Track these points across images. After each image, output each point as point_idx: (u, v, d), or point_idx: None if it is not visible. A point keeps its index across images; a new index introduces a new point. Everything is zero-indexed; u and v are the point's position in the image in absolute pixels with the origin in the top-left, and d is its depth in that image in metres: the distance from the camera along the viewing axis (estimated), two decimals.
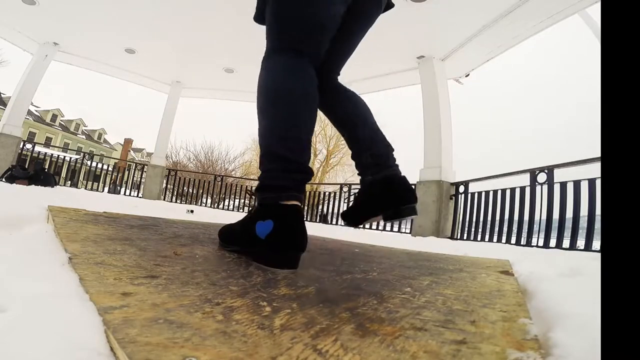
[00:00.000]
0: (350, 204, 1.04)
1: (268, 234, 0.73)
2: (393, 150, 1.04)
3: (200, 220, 1.55)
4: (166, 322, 0.38)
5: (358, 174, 1.04)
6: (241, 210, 7.40)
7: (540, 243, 3.38)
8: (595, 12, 4.00)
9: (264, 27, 0.99)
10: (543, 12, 3.82)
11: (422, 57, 5.04)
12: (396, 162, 1.03)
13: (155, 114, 8.58)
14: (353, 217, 1.01)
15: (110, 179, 9.06)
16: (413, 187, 0.95)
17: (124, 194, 7.53)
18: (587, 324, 0.43)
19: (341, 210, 6.17)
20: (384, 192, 0.96)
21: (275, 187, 0.78)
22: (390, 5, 1.13)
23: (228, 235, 0.90)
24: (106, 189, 8.23)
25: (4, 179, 4.32)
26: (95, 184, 8.44)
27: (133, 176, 7.77)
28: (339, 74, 1.14)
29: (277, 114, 0.84)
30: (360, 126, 1.04)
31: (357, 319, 0.46)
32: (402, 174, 1.00)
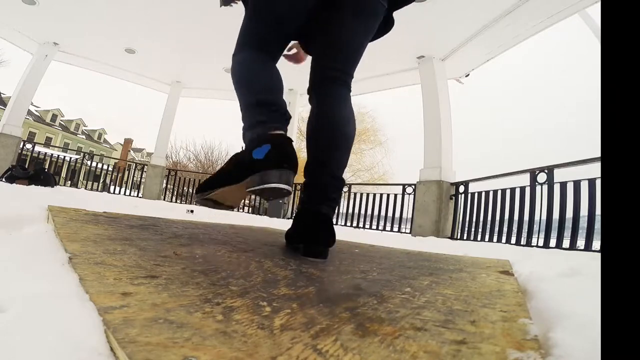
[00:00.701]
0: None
1: (266, 153, 0.82)
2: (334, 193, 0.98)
3: (200, 220, 1.55)
4: (166, 322, 0.38)
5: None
6: (241, 210, 7.39)
7: (540, 243, 3.38)
8: (595, 12, 4.00)
9: None
10: (543, 12, 3.82)
11: (422, 57, 5.04)
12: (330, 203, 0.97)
13: (155, 113, 8.57)
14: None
15: (110, 179, 9.06)
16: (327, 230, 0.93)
17: (124, 194, 7.53)
18: (587, 324, 0.43)
19: (342, 210, 6.18)
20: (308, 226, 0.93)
21: (262, 121, 0.88)
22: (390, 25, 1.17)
23: (216, 181, 0.93)
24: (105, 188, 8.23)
25: (4, 179, 4.32)
26: (95, 184, 8.44)
27: (133, 176, 7.77)
28: (342, 72, 1.05)
29: (249, 86, 0.96)
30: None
31: (357, 319, 0.46)
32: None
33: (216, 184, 0.92)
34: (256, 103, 0.93)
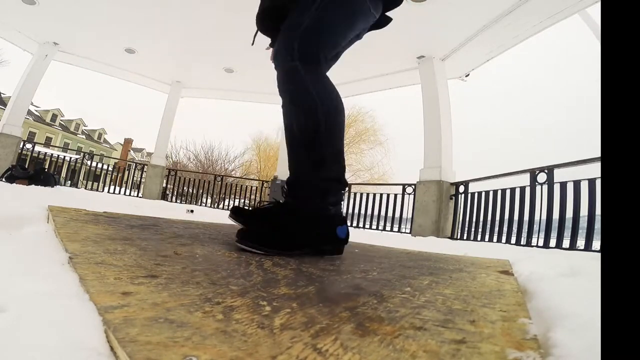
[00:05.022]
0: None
1: (347, 233, 1.00)
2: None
3: (200, 220, 1.55)
4: (166, 321, 0.38)
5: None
6: None
7: (540, 243, 3.38)
8: (595, 12, 4.00)
9: None
10: (543, 12, 3.82)
11: (422, 57, 5.04)
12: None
13: (155, 113, 8.58)
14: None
15: (110, 179, 9.07)
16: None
17: (124, 193, 7.52)
18: (587, 324, 0.43)
19: (342, 211, 6.15)
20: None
21: (338, 201, 1.02)
22: (387, 20, 1.20)
23: (290, 239, 0.92)
24: (106, 188, 8.23)
25: (4, 179, 4.32)
26: (96, 184, 8.43)
27: (133, 176, 7.77)
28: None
29: (340, 136, 1.02)
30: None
31: (357, 318, 0.46)
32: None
33: (296, 246, 0.92)
34: (341, 177, 1.02)
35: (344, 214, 5.66)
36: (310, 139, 0.97)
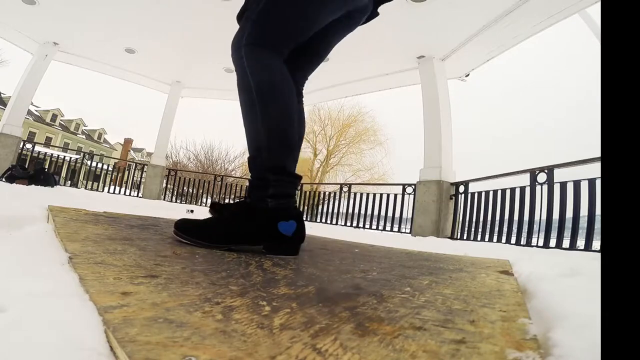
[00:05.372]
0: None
1: (294, 232, 0.91)
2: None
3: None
4: (166, 321, 0.38)
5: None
6: None
7: (540, 243, 3.38)
8: (595, 12, 4.00)
9: None
10: (543, 12, 3.82)
11: (422, 57, 5.04)
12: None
13: (155, 113, 8.58)
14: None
15: (110, 179, 9.07)
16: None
17: (124, 193, 7.52)
18: (587, 324, 0.43)
19: (342, 210, 6.19)
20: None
21: (287, 194, 0.94)
22: (373, 15, 1.15)
23: (232, 235, 0.91)
24: (106, 188, 8.23)
25: (4, 179, 4.32)
26: (96, 184, 8.43)
27: (133, 176, 7.77)
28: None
29: (276, 115, 0.94)
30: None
31: (357, 318, 0.46)
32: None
33: (233, 239, 0.90)
34: (285, 167, 0.94)
35: (345, 214, 5.58)
36: (249, 124, 0.96)
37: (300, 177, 0.98)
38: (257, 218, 0.91)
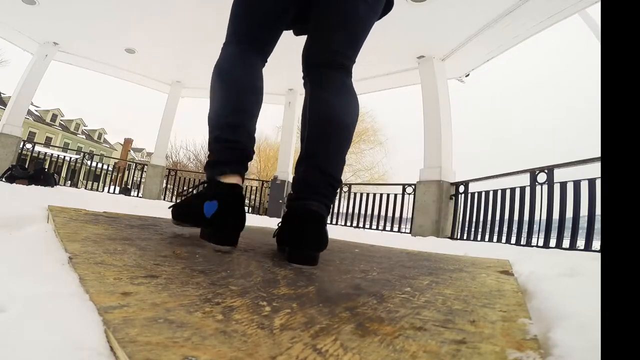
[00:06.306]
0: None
1: (213, 214, 0.80)
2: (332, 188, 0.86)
3: None
4: (166, 321, 0.38)
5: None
6: None
7: (540, 243, 3.38)
8: (595, 12, 4.00)
9: None
10: (543, 12, 3.82)
11: (422, 57, 5.04)
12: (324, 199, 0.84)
13: (155, 113, 8.57)
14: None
15: (110, 179, 9.07)
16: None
17: (124, 194, 7.53)
18: (587, 324, 0.43)
19: (342, 210, 6.18)
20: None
21: (219, 162, 0.86)
22: (390, 5, 1.04)
23: (180, 213, 0.95)
24: (106, 188, 8.23)
25: (4, 179, 4.32)
26: (96, 184, 8.44)
27: (133, 176, 7.77)
28: (343, 56, 0.93)
29: (220, 100, 0.97)
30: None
31: (357, 318, 0.46)
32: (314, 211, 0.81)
33: (179, 216, 0.95)
34: (216, 137, 0.90)
35: (345, 214, 5.55)
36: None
37: (239, 140, 0.87)
38: (194, 197, 0.89)
